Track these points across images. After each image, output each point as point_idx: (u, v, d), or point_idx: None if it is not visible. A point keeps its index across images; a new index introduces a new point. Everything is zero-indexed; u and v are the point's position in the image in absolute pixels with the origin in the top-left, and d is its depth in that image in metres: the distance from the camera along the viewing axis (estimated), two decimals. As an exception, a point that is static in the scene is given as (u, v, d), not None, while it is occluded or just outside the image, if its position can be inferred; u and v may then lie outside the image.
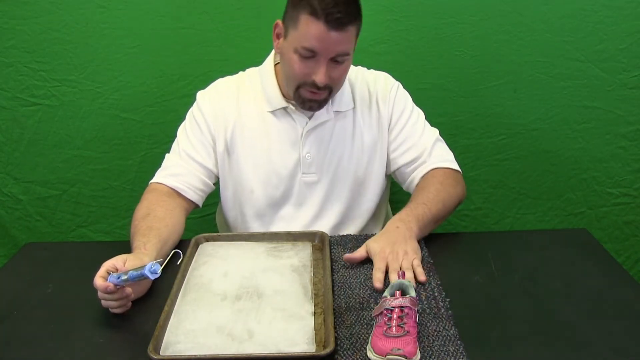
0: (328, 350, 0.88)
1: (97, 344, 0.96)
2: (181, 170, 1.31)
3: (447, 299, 1.03)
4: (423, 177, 1.34)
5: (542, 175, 1.89)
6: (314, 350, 0.90)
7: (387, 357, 0.85)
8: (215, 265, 1.15)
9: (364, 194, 1.38)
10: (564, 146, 1.85)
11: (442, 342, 0.92)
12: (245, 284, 1.08)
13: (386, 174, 1.41)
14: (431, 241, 1.24)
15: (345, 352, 0.90)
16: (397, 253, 1.12)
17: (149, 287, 1.09)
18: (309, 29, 1.14)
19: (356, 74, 1.39)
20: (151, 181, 1.32)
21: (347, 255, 1.16)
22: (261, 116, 1.33)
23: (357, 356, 0.90)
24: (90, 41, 1.73)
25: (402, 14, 1.71)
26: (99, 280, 0.98)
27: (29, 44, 1.73)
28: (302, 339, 0.93)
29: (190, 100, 1.40)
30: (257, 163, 1.33)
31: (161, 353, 0.90)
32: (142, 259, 1.03)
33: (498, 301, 1.04)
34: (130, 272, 0.95)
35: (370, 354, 0.88)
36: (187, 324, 0.97)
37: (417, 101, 1.43)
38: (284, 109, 1.31)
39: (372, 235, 1.25)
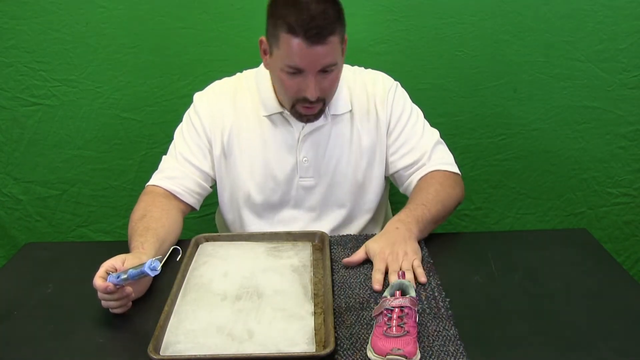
0: (328, 350, 0.88)
1: (97, 344, 0.96)
2: (177, 173, 1.31)
3: (447, 299, 1.03)
4: (421, 179, 1.33)
5: (542, 175, 1.89)
6: (314, 350, 0.90)
7: (387, 357, 0.85)
8: (215, 265, 1.15)
9: (364, 196, 1.38)
10: (564, 146, 1.85)
11: (442, 342, 0.92)
12: (245, 284, 1.08)
13: (385, 176, 1.41)
14: (431, 241, 1.24)
15: (345, 352, 0.90)
16: (397, 254, 1.12)
17: (149, 287, 1.09)
18: (291, 47, 1.12)
19: (354, 75, 1.37)
20: (148, 183, 1.32)
21: (346, 260, 1.16)
22: (257, 120, 1.32)
23: (357, 356, 0.90)
24: (90, 41, 1.73)
25: (402, 14, 1.71)
26: (98, 281, 0.98)
27: (29, 44, 1.73)
28: (302, 339, 0.93)
29: (190, 100, 1.40)
30: (254, 166, 1.33)
31: (161, 353, 0.90)
32: (141, 258, 1.03)
33: (498, 301, 1.04)
34: (130, 270, 0.95)
35: (370, 354, 0.88)
36: (187, 324, 0.97)
37: (417, 101, 1.43)
38: (280, 113, 1.31)
39: (372, 235, 1.25)
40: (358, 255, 1.15)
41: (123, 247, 1.15)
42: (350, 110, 1.34)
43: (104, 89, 1.78)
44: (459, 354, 0.89)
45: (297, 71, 1.15)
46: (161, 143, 1.79)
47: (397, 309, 0.90)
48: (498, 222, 1.95)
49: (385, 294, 0.97)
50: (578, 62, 1.75)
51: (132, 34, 1.72)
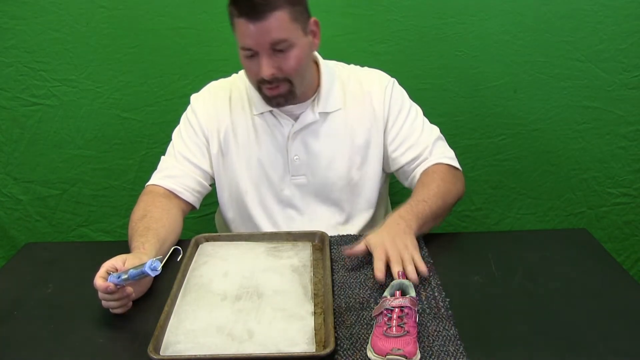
0: (328, 350, 0.88)
1: (97, 344, 0.96)
2: (177, 172, 1.32)
3: (447, 299, 1.03)
4: (424, 172, 1.33)
5: (542, 176, 1.89)
6: (314, 350, 0.90)
7: (387, 357, 0.85)
8: (215, 265, 1.15)
9: (360, 194, 1.38)
10: (564, 146, 1.85)
11: (442, 342, 0.92)
12: (245, 284, 1.08)
13: (386, 172, 1.41)
14: (431, 241, 1.24)
15: (345, 352, 0.90)
16: (397, 245, 1.11)
17: (149, 287, 1.09)
18: (239, 28, 1.17)
19: (348, 73, 1.38)
20: (147, 183, 1.33)
21: (348, 250, 1.15)
22: (251, 119, 1.33)
23: (357, 356, 0.90)
24: (90, 41, 1.73)
25: (402, 14, 1.71)
26: (99, 281, 0.98)
27: (29, 44, 1.73)
28: (302, 339, 0.93)
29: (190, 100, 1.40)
30: (250, 165, 1.34)
31: (161, 353, 0.90)
32: (142, 258, 1.03)
33: (498, 301, 1.04)
34: (131, 270, 0.95)
35: (370, 354, 0.88)
36: (187, 324, 0.97)
37: (417, 101, 1.43)
38: (270, 112, 1.32)
39: (372, 235, 1.27)
40: (359, 247, 1.14)
41: (123, 246, 1.15)
42: (342, 108, 1.33)
43: (104, 89, 1.78)
44: (459, 354, 0.89)
45: (251, 52, 1.18)
46: (161, 143, 1.79)
47: (397, 309, 0.90)
48: (498, 222, 1.95)
49: (385, 294, 0.97)
50: (578, 62, 1.75)
51: (132, 34, 1.72)
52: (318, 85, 1.32)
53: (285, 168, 1.34)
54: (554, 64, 1.76)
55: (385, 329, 0.89)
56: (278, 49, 1.17)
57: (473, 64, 1.76)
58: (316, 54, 1.34)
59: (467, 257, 1.20)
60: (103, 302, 1.01)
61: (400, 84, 1.42)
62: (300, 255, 1.18)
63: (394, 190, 1.69)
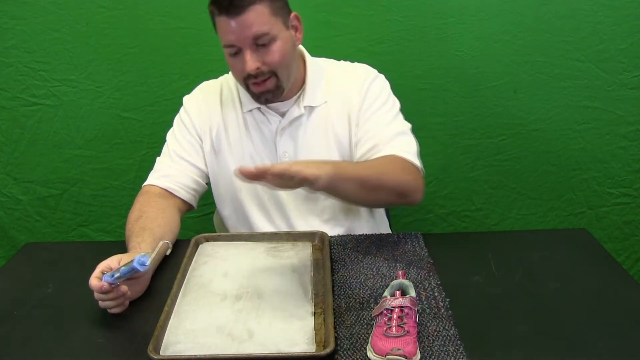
0: (328, 350, 0.88)
1: (97, 344, 0.96)
2: (172, 171, 1.32)
3: (447, 299, 1.03)
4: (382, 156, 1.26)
5: (542, 176, 1.89)
6: (314, 350, 0.90)
7: (387, 357, 0.85)
8: (215, 265, 1.15)
9: None
10: (564, 146, 1.85)
11: (442, 342, 0.92)
12: (245, 284, 1.08)
13: None
14: (431, 241, 1.24)
15: (345, 352, 0.90)
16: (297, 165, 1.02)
17: (149, 287, 1.09)
18: (221, 26, 1.18)
19: (335, 68, 1.37)
20: (144, 184, 1.33)
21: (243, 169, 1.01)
22: (241, 116, 1.34)
23: (357, 356, 0.89)
24: (90, 41, 1.73)
25: (402, 14, 1.71)
26: (94, 281, 0.98)
27: (29, 44, 1.73)
28: (302, 339, 0.93)
29: (190, 99, 1.40)
30: (242, 162, 1.35)
31: (161, 353, 0.90)
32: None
33: (498, 301, 1.04)
34: (122, 268, 0.96)
35: (370, 354, 0.88)
36: (187, 324, 0.97)
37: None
38: (258, 109, 1.32)
39: (373, 234, 1.27)
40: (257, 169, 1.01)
41: (124, 246, 1.15)
42: (327, 102, 1.33)
43: (104, 89, 1.78)
44: (459, 354, 0.89)
45: (235, 49, 1.18)
46: (161, 143, 1.77)
47: (397, 309, 0.90)
48: (498, 222, 1.95)
49: (385, 294, 0.97)
50: (578, 62, 1.75)
51: (132, 34, 1.73)
52: (304, 81, 1.32)
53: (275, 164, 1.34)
54: (554, 64, 1.76)
55: (385, 329, 0.89)
56: (260, 43, 1.18)
57: (473, 64, 1.76)
58: (303, 50, 1.35)
59: (467, 257, 1.20)
60: (100, 303, 1.01)
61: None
62: (300, 255, 1.17)
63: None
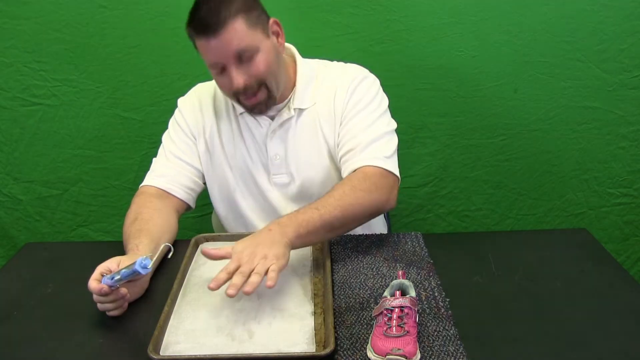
0: (328, 350, 0.88)
1: (97, 344, 0.96)
2: (169, 171, 1.32)
3: (447, 299, 1.03)
4: (349, 174, 1.24)
5: (542, 176, 1.89)
6: (314, 350, 0.90)
7: (387, 357, 0.85)
8: (215, 265, 1.14)
9: None
10: (565, 147, 1.85)
11: (442, 342, 0.92)
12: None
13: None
14: (431, 241, 1.24)
15: (345, 352, 0.90)
16: (254, 255, 1.01)
17: (149, 287, 1.09)
18: (201, 48, 1.18)
19: (326, 69, 1.37)
20: (140, 185, 1.33)
21: (206, 250, 1.06)
22: (234, 119, 1.35)
23: (357, 356, 0.90)
24: (90, 41, 1.73)
25: (402, 14, 1.71)
26: (93, 283, 0.97)
27: (29, 44, 1.73)
28: (302, 339, 0.93)
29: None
30: (235, 164, 1.35)
31: (161, 353, 0.90)
32: (135, 259, 1.03)
33: (498, 301, 1.04)
34: (123, 270, 0.95)
35: (370, 354, 0.88)
36: (187, 324, 0.97)
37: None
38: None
39: (372, 234, 1.27)
40: (222, 251, 1.05)
41: (123, 247, 1.15)
42: (316, 104, 1.32)
43: (104, 88, 1.78)
44: (459, 354, 0.89)
45: (219, 67, 1.19)
46: (160, 143, 1.79)
47: (397, 309, 0.90)
48: (498, 222, 1.95)
49: (385, 294, 0.97)
50: (578, 62, 1.75)
51: (132, 34, 1.72)
52: (295, 84, 1.32)
53: (266, 167, 1.34)
54: (554, 64, 1.76)
55: (385, 329, 0.89)
56: (244, 57, 1.17)
57: (473, 64, 1.76)
58: (295, 52, 1.35)
59: (467, 257, 1.20)
60: (98, 305, 1.01)
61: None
62: (300, 256, 1.17)
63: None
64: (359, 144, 1.26)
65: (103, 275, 0.98)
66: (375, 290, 1.06)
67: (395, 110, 1.37)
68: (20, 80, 1.76)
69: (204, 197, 1.40)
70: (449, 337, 0.93)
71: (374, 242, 1.24)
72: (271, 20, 1.23)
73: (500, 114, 1.82)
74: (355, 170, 1.23)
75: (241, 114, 1.33)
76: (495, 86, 1.79)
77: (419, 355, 0.88)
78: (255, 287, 0.95)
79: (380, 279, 1.10)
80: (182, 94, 1.41)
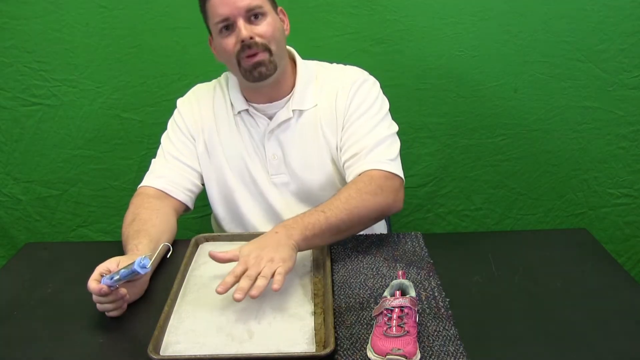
0: (328, 350, 0.88)
1: (97, 344, 0.96)
2: (167, 172, 1.32)
3: (447, 299, 1.03)
4: (355, 178, 1.25)
5: (542, 176, 1.89)
6: (314, 350, 0.90)
7: (387, 357, 0.85)
8: (215, 265, 1.14)
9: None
10: (565, 147, 1.85)
11: (442, 342, 0.92)
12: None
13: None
14: (431, 241, 1.24)
15: (345, 352, 0.90)
16: (261, 259, 1.02)
17: (149, 287, 1.09)
18: (213, 3, 1.22)
19: (327, 71, 1.37)
20: (139, 186, 1.33)
21: (213, 253, 1.07)
22: (232, 119, 1.35)
23: (357, 356, 0.89)
24: (90, 41, 1.73)
25: (402, 14, 1.71)
26: (92, 284, 0.97)
27: (29, 44, 1.73)
28: (302, 339, 0.93)
29: (190, 100, 1.40)
30: (234, 164, 1.35)
31: (161, 353, 0.90)
32: (134, 259, 1.03)
33: (498, 301, 1.04)
34: (122, 270, 0.95)
35: (370, 354, 0.88)
36: (187, 324, 0.97)
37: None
38: (246, 111, 1.33)
39: (372, 234, 1.27)
40: (229, 254, 1.06)
41: (122, 247, 1.15)
42: (316, 106, 1.33)
43: (104, 89, 1.78)
44: (459, 354, 0.89)
45: (227, 23, 1.21)
46: (159, 143, 1.79)
47: (397, 309, 0.90)
48: (498, 222, 1.95)
49: (385, 294, 0.97)
50: (578, 62, 1.75)
51: (132, 34, 1.72)
52: (294, 84, 1.32)
53: (265, 167, 1.35)
54: (554, 64, 1.76)
55: (385, 329, 0.89)
56: (253, 14, 1.20)
57: (473, 64, 1.76)
58: (294, 53, 1.35)
59: (467, 257, 1.20)
60: (98, 306, 1.00)
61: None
62: (300, 255, 1.17)
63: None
64: (363, 148, 1.26)
65: (102, 276, 0.98)
66: (375, 290, 1.06)
67: (395, 110, 1.37)
68: (20, 80, 1.76)
69: (203, 197, 1.40)
70: (449, 337, 0.93)
71: (374, 242, 1.24)
72: (279, 8, 1.28)
73: (500, 114, 1.82)
74: (360, 174, 1.24)
75: (239, 113, 1.33)
76: (495, 86, 1.79)
77: (419, 355, 0.88)
78: (262, 291, 0.97)
79: (380, 279, 1.10)
80: (182, 95, 1.41)
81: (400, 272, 1.02)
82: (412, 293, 0.96)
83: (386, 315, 0.91)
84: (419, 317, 0.96)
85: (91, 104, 1.79)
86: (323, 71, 1.37)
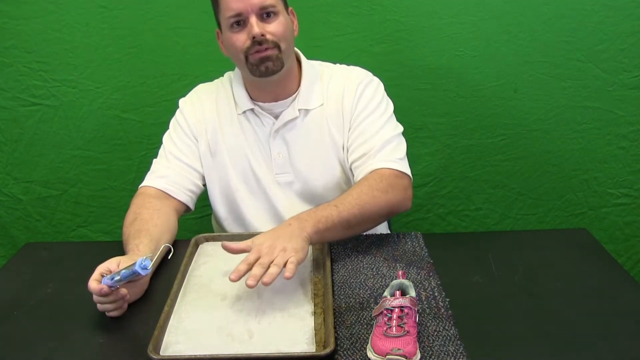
0: (328, 350, 0.88)
1: (97, 344, 0.96)
2: (169, 172, 1.32)
3: (447, 299, 1.03)
4: (364, 176, 1.26)
5: (542, 176, 1.89)
6: (314, 350, 0.90)
7: (387, 357, 0.85)
8: (215, 265, 1.15)
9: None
10: (565, 147, 1.85)
11: (442, 342, 0.92)
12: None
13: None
14: (431, 241, 1.24)
15: (345, 352, 0.90)
16: (274, 248, 1.04)
17: (149, 287, 1.09)
18: None
19: (331, 71, 1.37)
20: (140, 185, 1.33)
21: (226, 243, 1.09)
22: (236, 118, 1.35)
23: (357, 356, 0.89)
24: (90, 41, 1.73)
25: (403, 14, 1.71)
26: (93, 284, 0.97)
27: (29, 44, 1.73)
28: (302, 339, 0.93)
29: (190, 100, 1.40)
30: (238, 163, 1.35)
31: (161, 353, 0.90)
32: (135, 259, 1.03)
33: (498, 301, 1.04)
34: (123, 271, 0.95)
35: (370, 354, 0.88)
36: (187, 324, 0.97)
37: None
38: (251, 110, 1.33)
39: (372, 234, 1.26)
40: (241, 245, 1.07)
41: (123, 247, 1.15)
42: (322, 106, 1.33)
43: (104, 89, 1.78)
44: (459, 354, 0.89)
45: (239, 19, 1.21)
46: (161, 143, 1.79)
47: (397, 309, 0.90)
48: (498, 222, 1.95)
49: (385, 294, 0.97)
50: (578, 62, 1.75)
51: (132, 34, 1.72)
52: (299, 84, 1.33)
53: (270, 166, 1.35)
54: (554, 64, 1.76)
55: (385, 329, 0.89)
56: (266, 12, 1.21)
57: (473, 64, 1.76)
58: (299, 53, 1.36)
59: (467, 257, 1.20)
60: (98, 306, 1.00)
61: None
62: (300, 255, 1.17)
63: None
64: (372, 148, 1.28)
65: (103, 276, 0.98)
66: (375, 290, 1.06)
67: (395, 110, 1.37)
68: (20, 80, 1.76)
69: (204, 198, 1.40)
70: (449, 337, 0.93)
71: (374, 242, 1.24)
72: (290, 8, 1.29)
73: (500, 114, 1.82)
74: (370, 172, 1.26)
75: (244, 112, 1.33)
76: (495, 86, 1.79)
77: (419, 355, 0.88)
78: (274, 279, 0.98)
79: (380, 279, 1.10)
80: (182, 95, 1.41)
81: (400, 272, 1.02)
82: (412, 293, 0.96)
83: (386, 315, 0.91)
84: (419, 317, 0.96)
85: (91, 104, 1.79)
86: (328, 71, 1.37)
